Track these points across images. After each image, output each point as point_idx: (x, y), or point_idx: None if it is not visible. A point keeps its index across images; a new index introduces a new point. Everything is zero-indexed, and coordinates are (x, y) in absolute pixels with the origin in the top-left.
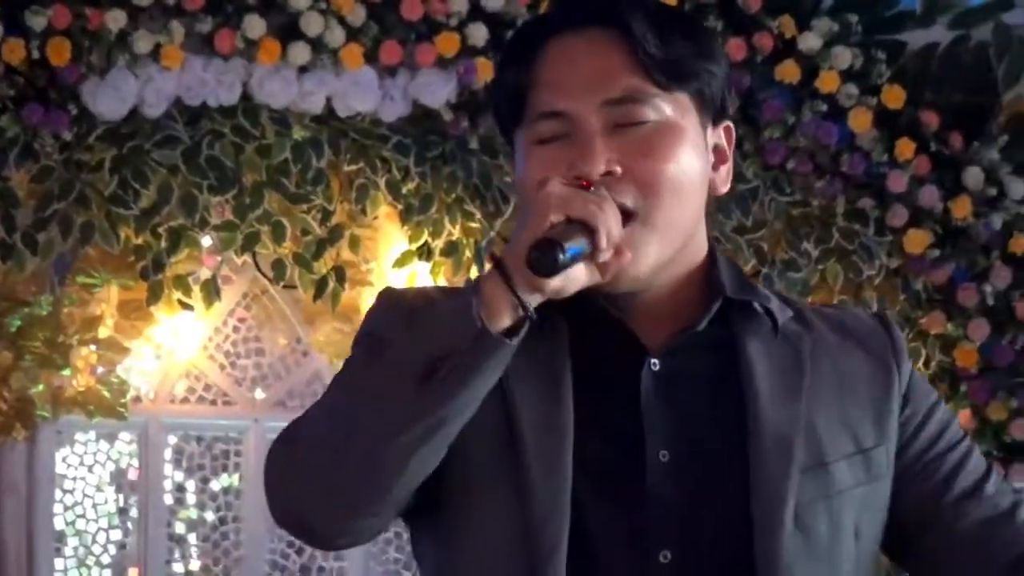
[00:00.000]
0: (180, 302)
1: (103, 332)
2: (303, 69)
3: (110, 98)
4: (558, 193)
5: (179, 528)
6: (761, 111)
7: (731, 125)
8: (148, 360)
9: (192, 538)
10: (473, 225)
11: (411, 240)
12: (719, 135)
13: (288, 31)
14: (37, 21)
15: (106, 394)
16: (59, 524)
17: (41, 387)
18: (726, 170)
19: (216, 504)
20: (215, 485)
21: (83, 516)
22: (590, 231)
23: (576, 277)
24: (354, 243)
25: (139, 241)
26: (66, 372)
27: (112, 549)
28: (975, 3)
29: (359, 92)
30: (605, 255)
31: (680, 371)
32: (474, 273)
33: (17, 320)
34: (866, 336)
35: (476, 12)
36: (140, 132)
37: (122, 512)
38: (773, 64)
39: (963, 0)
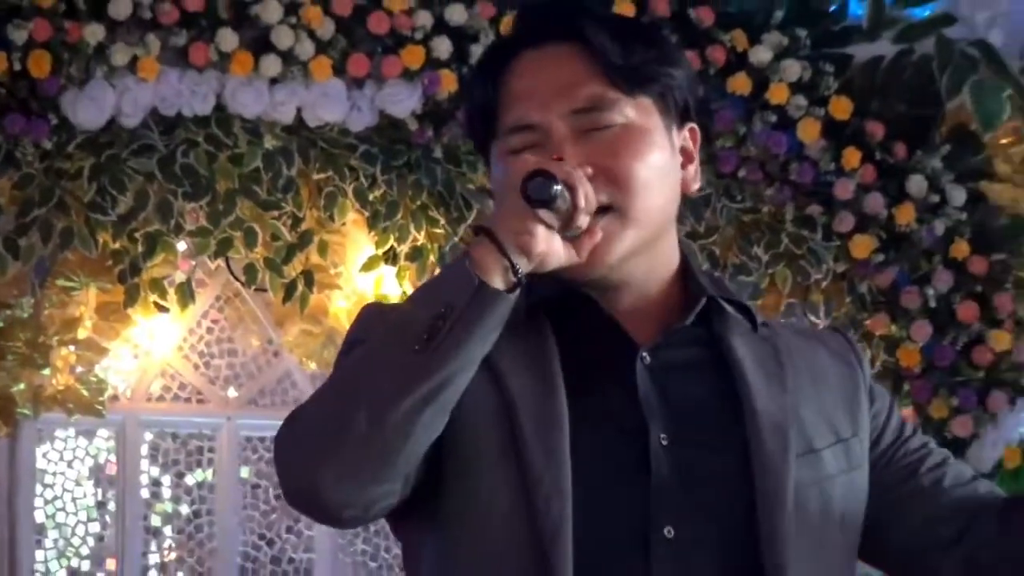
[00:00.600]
0: (156, 304)
1: (82, 333)
2: (274, 81)
3: (88, 108)
4: (535, 159)
5: (155, 521)
6: (713, 121)
7: (696, 127)
8: (125, 360)
9: (167, 530)
10: (437, 231)
11: (378, 245)
12: (684, 137)
13: (260, 44)
14: (18, 34)
15: (85, 392)
16: (40, 517)
17: (22, 386)
18: (694, 169)
19: (191, 498)
20: (190, 480)
21: (63, 509)
22: (569, 189)
23: (556, 252)
24: (323, 248)
25: (116, 246)
26: (46, 371)
27: (91, 541)
28: (918, 18)
29: (328, 103)
30: (582, 219)
31: (670, 363)
32: None
33: None
34: (827, 340)
35: (440, 26)
36: (117, 141)
37: (100, 506)
38: (725, 76)
39: (907, 15)
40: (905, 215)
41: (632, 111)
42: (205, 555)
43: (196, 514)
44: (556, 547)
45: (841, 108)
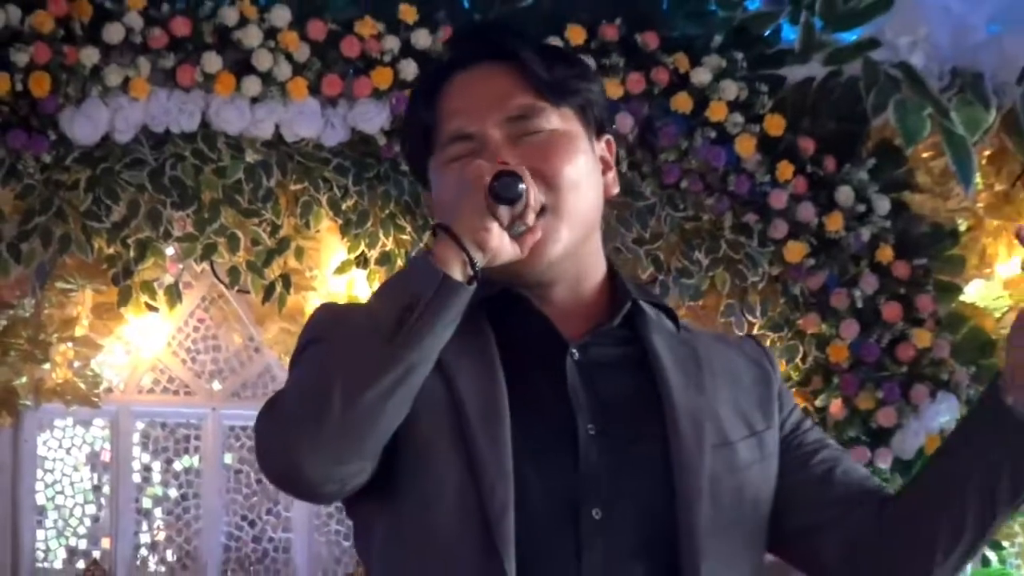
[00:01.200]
0: (147, 304)
1: (79, 331)
2: (255, 100)
3: (85, 125)
4: (486, 164)
5: (146, 503)
6: (658, 137)
7: (611, 140)
8: (119, 355)
9: (157, 512)
10: (404, 237)
11: (350, 251)
12: (602, 147)
13: (241, 66)
14: (20, 57)
15: (82, 385)
16: (40, 500)
17: (24, 379)
18: (612, 175)
19: (179, 482)
20: (178, 466)
21: (61, 493)
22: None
23: (505, 247)
24: (299, 253)
25: (110, 251)
26: (46, 366)
27: (87, 522)
28: (846, 42)
29: (304, 120)
30: (531, 216)
31: (597, 360)
32: None
33: (2, 320)
34: (743, 346)
35: (407, 50)
36: (111, 155)
37: (96, 489)
38: (669, 96)
39: (835, 40)
40: (834, 223)
41: (558, 119)
42: (192, 535)
43: (184, 497)
44: (501, 526)
45: (775, 125)
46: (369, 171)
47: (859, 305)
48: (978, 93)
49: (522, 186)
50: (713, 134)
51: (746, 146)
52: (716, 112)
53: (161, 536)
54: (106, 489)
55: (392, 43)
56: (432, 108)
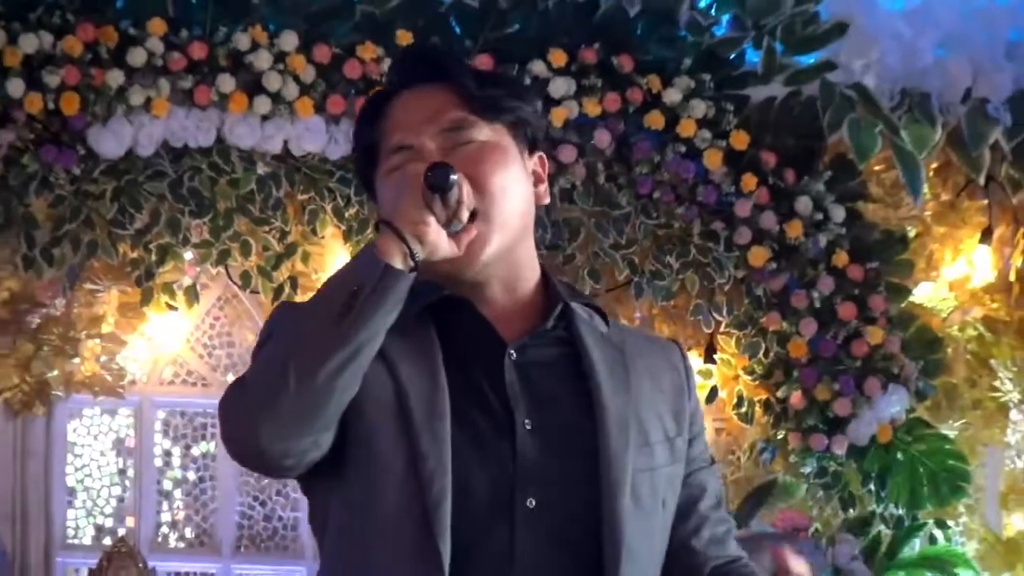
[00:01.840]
0: (167, 304)
1: (106, 328)
2: (265, 117)
3: (110, 141)
4: (423, 165)
5: (167, 485)
6: (633, 152)
7: (544, 156)
8: (142, 351)
9: (177, 493)
10: None
11: (352, 255)
12: (535, 162)
13: (253, 87)
14: (52, 79)
15: (108, 378)
16: (71, 482)
17: (56, 372)
18: (544, 188)
19: (196, 466)
20: (195, 451)
21: (90, 476)
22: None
23: (443, 243)
24: (306, 258)
25: (134, 255)
26: (76, 360)
27: (113, 502)
28: (805, 65)
29: (310, 136)
30: (464, 214)
31: (533, 359)
32: None
33: (36, 318)
34: (664, 348)
35: None
36: (134, 168)
37: (121, 472)
38: (643, 114)
39: (795, 62)
40: (794, 230)
41: (489, 132)
42: (208, 514)
43: (201, 479)
44: (438, 514)
45: (740, 140)
46: None
47: (817, 305)
48: (925, 112)
49: (454, 176)
50: (683, 149)
51: (713, 160)
52: (686, 129)
53: (181, 515)
54: (130, 472)
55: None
56: (376, 126)
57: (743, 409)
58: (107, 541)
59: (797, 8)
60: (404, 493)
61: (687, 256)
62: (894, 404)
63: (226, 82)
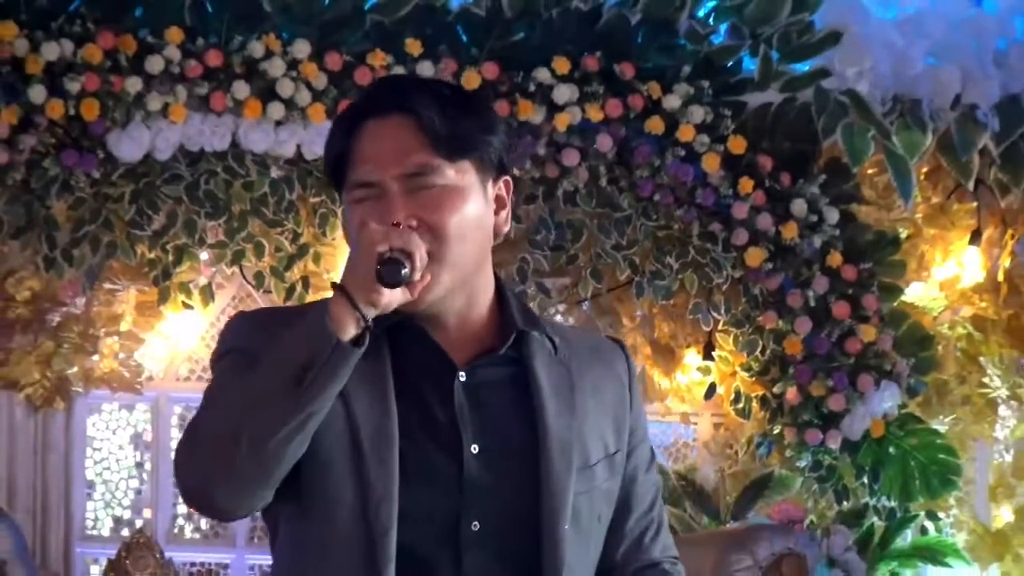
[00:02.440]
0: (183, 303)
1: (124, 326)
2: (278, 123)
3: (129, 145)
4: (380, 230)
5: None
6: (634, 156)
7: (510, 179)
8: (159, 348)
9: None
10: None
11: None
12: (499, 187)
13: (267, 93)
14: (73, 86)
15: (126, 374)
16: (90, 475)
17: (76, 368)
18: (505, 214)
19: None
20: None
21: (108, 469)
22: (408, 256)
23: (395, 298)
24: (317, 258)
25: (152, 256)
26: (95, 357)
27: (131, 495)
28: (800, 72)
29: (322, 140)
30: (417, 275)
31: (483, 382)
32: None
33: (57, 317)
34: (610, 357)
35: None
36: (152, 171)
37: (139, 466)
38: (643, 119)
39: (790, 70)
40: (790, 231)
41: (453, 173)
42: None
43: None
44: (384, 542)
45: (737, 145)
46: None
47: (812, 304)
48: (916, 118)
49: (405, 271)
50: (682, 153)
51: (712, 164)
52: (685, 134)
53: None
54: (148, 466)
55: (398, 72)
56: (346, 145)
57: (740, 405)
58: (125, 532)
59: (792, 17)
60: (353, 520)
61: (686, 256)
62: (886, 400)
63: (241, 88)
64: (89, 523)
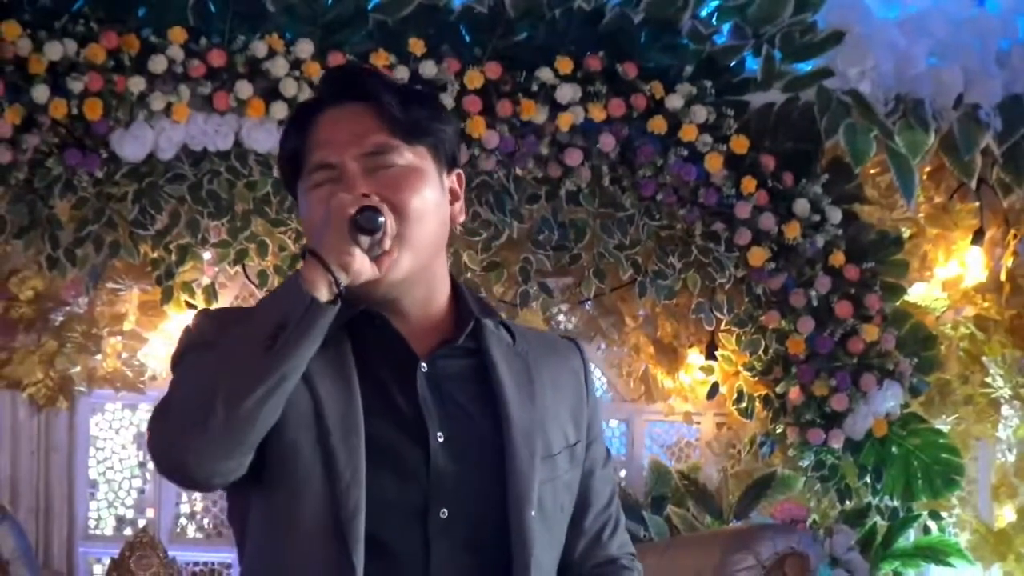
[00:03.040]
0: (187, 303)
1: (127, 326)
2: (281, 122)
3: (132, 145)
4: (349, 196)
5: None
6: (636, 155)
7: (461, 173)
8: (162, 347)
9: None
10: None
11: None
12: (452, 180)
13: (270, 93)
14: (76, 85)
15: (129, 374)
16: (93, 475)
17: (79, 368)
18: (459, 206)
19: None
20: None
21: (111, 468)
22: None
23: (365, 268)
24: None
25: (155, 255)
26: (98, 357)
27: (134, 494)
28: (802, 72)
29: None
30: (388, 242)
31: (444, 373)
32: None
33: (60, 316)
34: (565, 352)
35: (415, 79)
36: (155, 171)
37: (141, 465)
38: (646, 119)
39: (793, 69)
40: (792, 231)
41: (411, 155)
42: (225, 505)
43: None
44: (353, 526)
45: (740, 145)
46: None
47: (814, 303)
48: (919, 117)
49: (382, 219)
50: (685, 152)
51: (714, 163)
52: (688, 133)
53: (199, 506)
54: (151, 465)
55: (403, 72)
56: (302, 137)
57: (743, 404)
58: (128, 532)
59: (795, 17)
60: (321, 505)
61: (689, 256)
62: (889, 399)
63: (244, 88)
64: (92, 523)
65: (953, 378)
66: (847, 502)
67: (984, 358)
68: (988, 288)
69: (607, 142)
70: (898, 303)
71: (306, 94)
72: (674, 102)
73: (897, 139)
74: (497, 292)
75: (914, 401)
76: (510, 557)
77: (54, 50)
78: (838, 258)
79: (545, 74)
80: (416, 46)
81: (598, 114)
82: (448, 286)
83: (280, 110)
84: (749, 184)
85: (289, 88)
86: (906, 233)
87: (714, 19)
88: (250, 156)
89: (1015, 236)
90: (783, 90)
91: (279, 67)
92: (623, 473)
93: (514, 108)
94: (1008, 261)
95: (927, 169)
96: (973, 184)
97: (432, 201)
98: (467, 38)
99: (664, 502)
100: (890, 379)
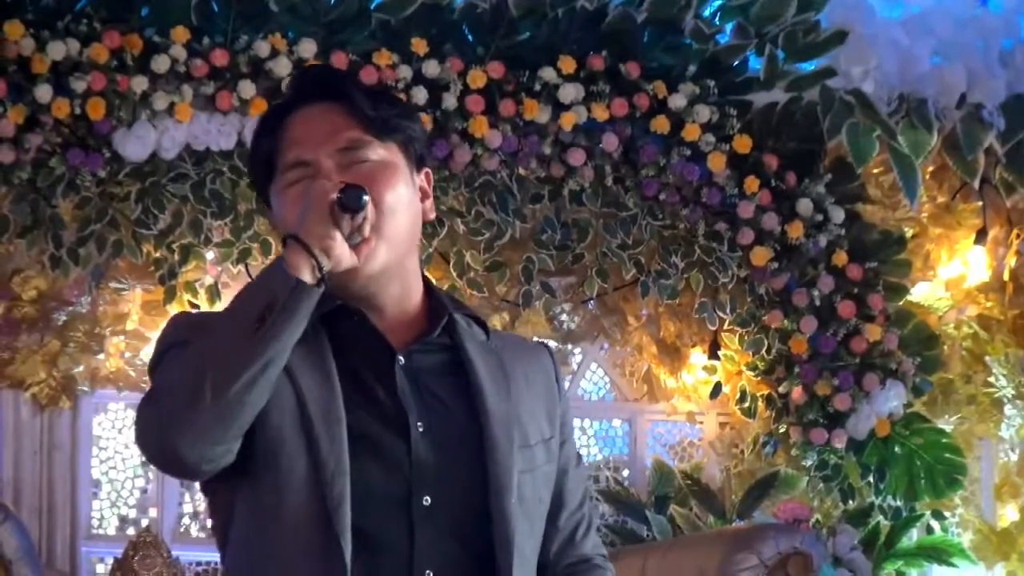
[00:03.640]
0: (189, 302)
1: (130, 325)
2: None
3: (135, 144)
4: (330, 183)
5: None
6: (639, 155)
7: (430, 171)
8: None
9: (197, 484)
10: None
11: None
12: (422, 178)
13: (272, 93)
14: (78, 85)
15: (132, 374)
16: (96, 474)
17: (82, 368)
18: (429, 203)
19: None
20: None
21: (114, 468)
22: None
23: (346, 255)
24: None
25: (158, 255)
26: (101, 356)
27: (136, 494)
28: (805, 71)
29: None
30: (367, 228)
31: (421, 366)
32: None
33: (63, 316)
34: (536, 352)
35: (418, 78)
36: (158, 170)
37: (144, 465)
38: (649, 118)
39: (796, 69)
40: (795, 231)
41: (383, 151)
42: None
43: None
44: (339, 514)
45: (743, 144)
46: None
47: (817, 303)
48: (922, 117)
49: (366, 197)
50: (688, 152)
51: (717, 163)
52: (691, 133)
53: (202, 506)
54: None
55: (405, 72)
56: (275, 138)
57: (746, 404)
58: (130, 531)
59: (798, 17)
60: (307, 495)
61: (692, 256)
62: (892, 399)
63: (247, 88)
64: (95, 522)
65: (956, 378)
66: (850, 502)
67: (987, 358)
68: (991, 288)
69: (610, 142)
70: (901, 303)
71: None
72: (677, 102)
73: (900, 139)
74: (500, 292)
75: (917, 401)
76: (489, 539)
77: (57, 50)
78: (841, 258)
79: (548, 74)
80: (419, 45)
81: (601, 114)
82: (421, 283)
83: None
84: (752, 184)
85: None
86: (909, 233)
87: (717, 19)
88: None
89: (1018, 236)
90: (786, 90)
91: (282, 67)
92: (626, 473)
93: (517, 108)
94: (1011, 260)
95: (930, 169)
96: (976, 184)
97: (405, 196)
98: (470, 38)
99: (667, 502)
100: (893, 379)
